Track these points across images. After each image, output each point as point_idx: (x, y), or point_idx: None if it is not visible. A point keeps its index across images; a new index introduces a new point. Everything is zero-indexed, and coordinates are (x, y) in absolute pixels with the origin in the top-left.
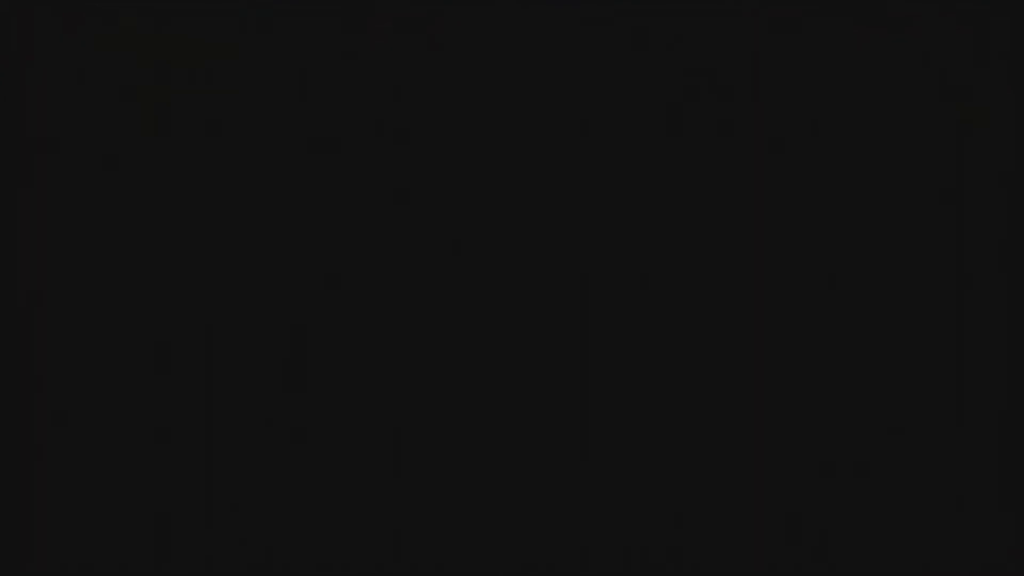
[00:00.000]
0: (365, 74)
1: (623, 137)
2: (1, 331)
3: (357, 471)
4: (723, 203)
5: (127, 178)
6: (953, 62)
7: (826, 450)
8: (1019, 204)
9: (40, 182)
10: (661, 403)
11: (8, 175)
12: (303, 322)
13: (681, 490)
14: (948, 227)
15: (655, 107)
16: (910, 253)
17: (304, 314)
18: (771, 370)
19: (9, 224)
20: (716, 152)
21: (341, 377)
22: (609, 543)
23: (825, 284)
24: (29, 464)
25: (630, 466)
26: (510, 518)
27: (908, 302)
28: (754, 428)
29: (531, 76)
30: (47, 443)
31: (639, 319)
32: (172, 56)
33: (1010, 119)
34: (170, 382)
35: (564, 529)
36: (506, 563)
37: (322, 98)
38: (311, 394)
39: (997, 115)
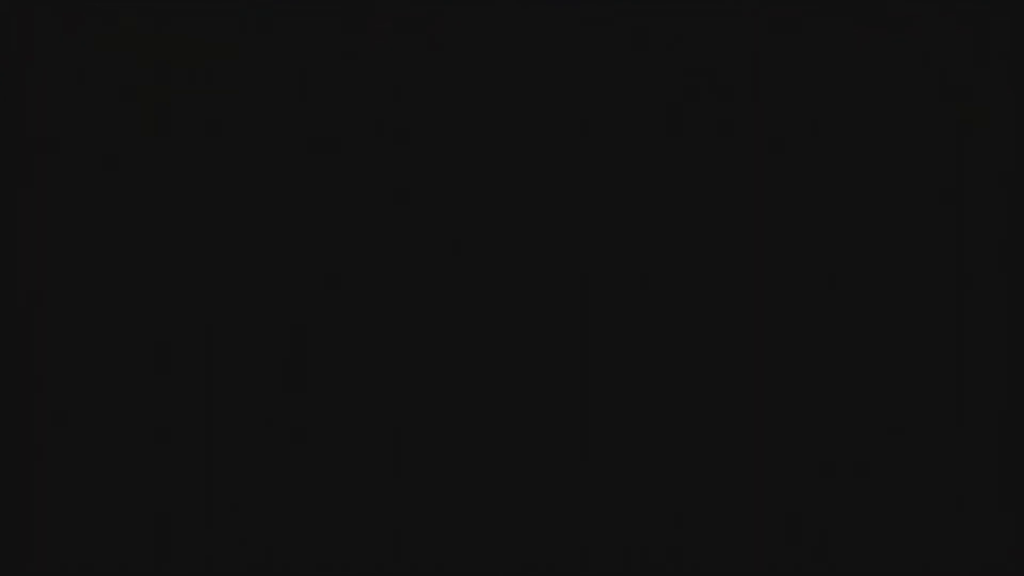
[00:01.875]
0: (365, 74)
1: (623, 137)
2: (1, 331)
3: (357, 471)
4: (723, 203)
5: (127, 178)
6: (953, 62)
7: (826, 450)
8: (1019, 204)
9: (40, 182)
10: (661, 403)
11: (8, 175)
12: (303, 322)
13: (681, 490)
14: (948, 227)
15: (655, 107)
16: (910, 253)
17: (304, 314)
18: (771, 370)
19: (9, 224)
20: (716, 152)
21: (341, 377)
22: (609, 543)
23: (825, 284)
24: (29, 464)
25: (630, 466)
26: (510, 518)
27: (908, 302)
28: (754, 428)
29: (531, 76)
30: (47, 443)
31: (639, 319)
32: (172, 56)
33: (1010, 119)
34: (170, 382)
35: (564, 529)
36: (506, 563)
37: (322, 98)
38: (311, 394)
39: (997, 115)
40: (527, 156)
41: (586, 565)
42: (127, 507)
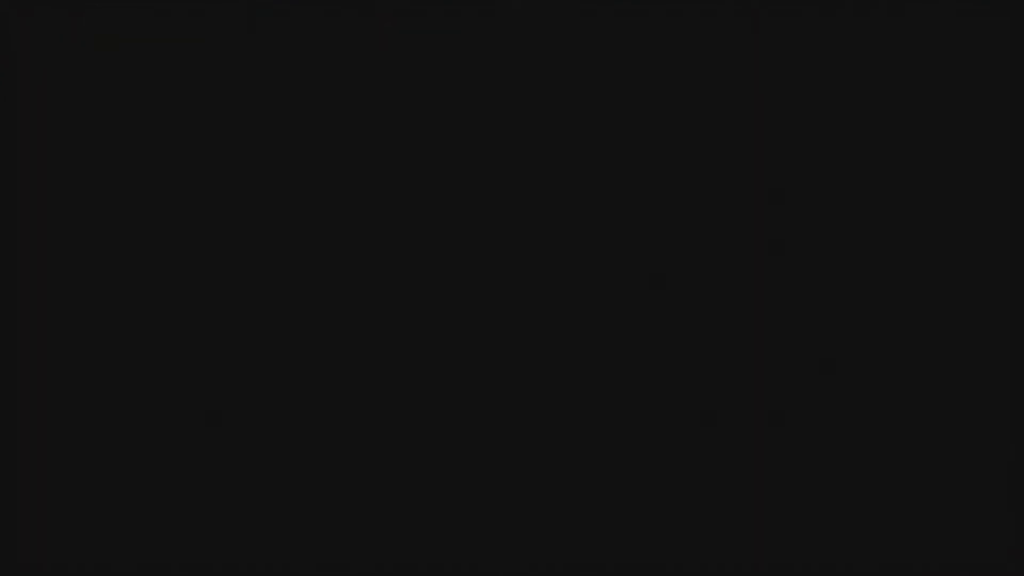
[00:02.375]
0: (365, 74)
1: (623, 136)
2: (1, 331)
3: (357, 471)
4: (723, 203)
5: (127, 178)
6: (953, 62)
7: (826, 450)
8: (1019, 204)
9: (40, 182)
10: (661, 403)
11: (8, 175)
12: (303, 322)
13: (681, 490)
14: (948, 227)
15: (655, 107)
16: (909, 253)
17: (304, 314)
18: (771, 370)
19: (9, 224)
20: (716, 152)
21: (341, 377)
22: (609, 543)
23: (824, 284)
24: (29, 464)
25: (630, 466)
26: (510, 518)
27: (907, 303)
28: (754, 428)
29: (530, 75)
30: (47, 443)
31: (639, 319)
32: (172, 56)
33: (1010, 119)
34: (170, 382)
35: (563, 529)
36: (506, 563)
37: (322, 98)
38: (311, 394)
39: (997, 115)
40: (527, 156)
41: (586, 565)
42: (127, 507)
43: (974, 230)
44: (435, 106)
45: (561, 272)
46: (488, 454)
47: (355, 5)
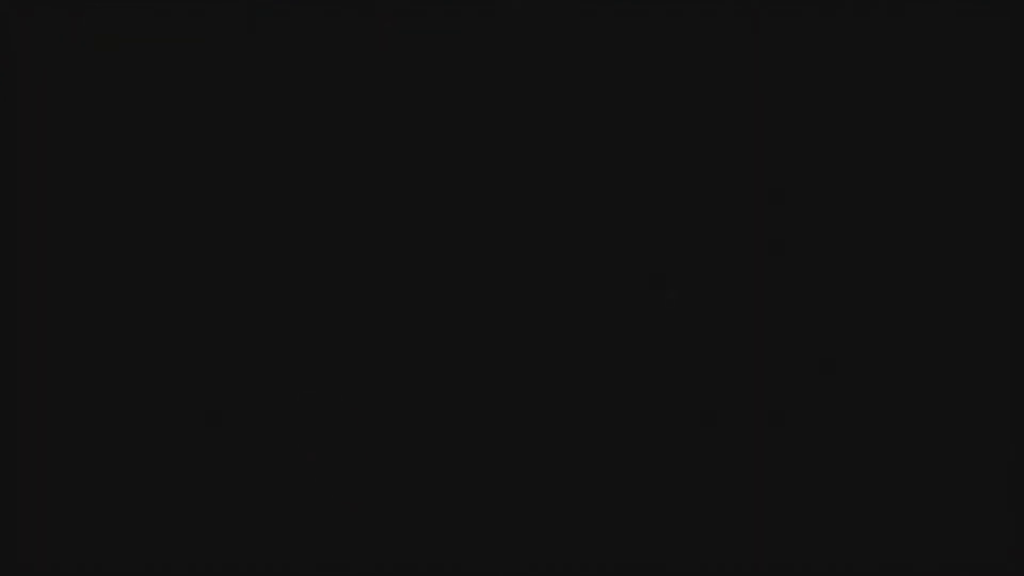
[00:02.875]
0: (365, 74)
1: (623, 136)
2: (1, 331)
3: (357, 471)
4: (723, 203)
5: (127, 178)
6: (953, 62)
7: (826, 450)
8: (1019, 204)
9: (40, 182)
10: (661, 403)
11: (8, 175)
12: (303, 322)
13: (681, 490)
14: (948, 227)
15: (655, 107)
16: (909, 253)
17: (304, 314)
18: (771, 370)
19: (9, 224)
20: (716, 152)
21: (341, 377)
22: (609, 543)
23: (824, 284)
24: (29, 464)
25: (630, 466)
26: (510, 518)
27: (907, 303)
28: (754, 428)
29: (530, 75)
30: (47, 443)
31: (639, 319)
32: (172, 56)
33: (1010, 119)
34: (170, 382)
35: (564, 529)
36: (506, 563)
37: (322, 98)
38: (311, 394)
39: (997, 115)
40: (527, 156)
41: (586, 566)
42: (126, 507)
43: (974, 230)
44: (435, 106)
45: (561, 272)
46: (488, 454)
47: (355, 5)
